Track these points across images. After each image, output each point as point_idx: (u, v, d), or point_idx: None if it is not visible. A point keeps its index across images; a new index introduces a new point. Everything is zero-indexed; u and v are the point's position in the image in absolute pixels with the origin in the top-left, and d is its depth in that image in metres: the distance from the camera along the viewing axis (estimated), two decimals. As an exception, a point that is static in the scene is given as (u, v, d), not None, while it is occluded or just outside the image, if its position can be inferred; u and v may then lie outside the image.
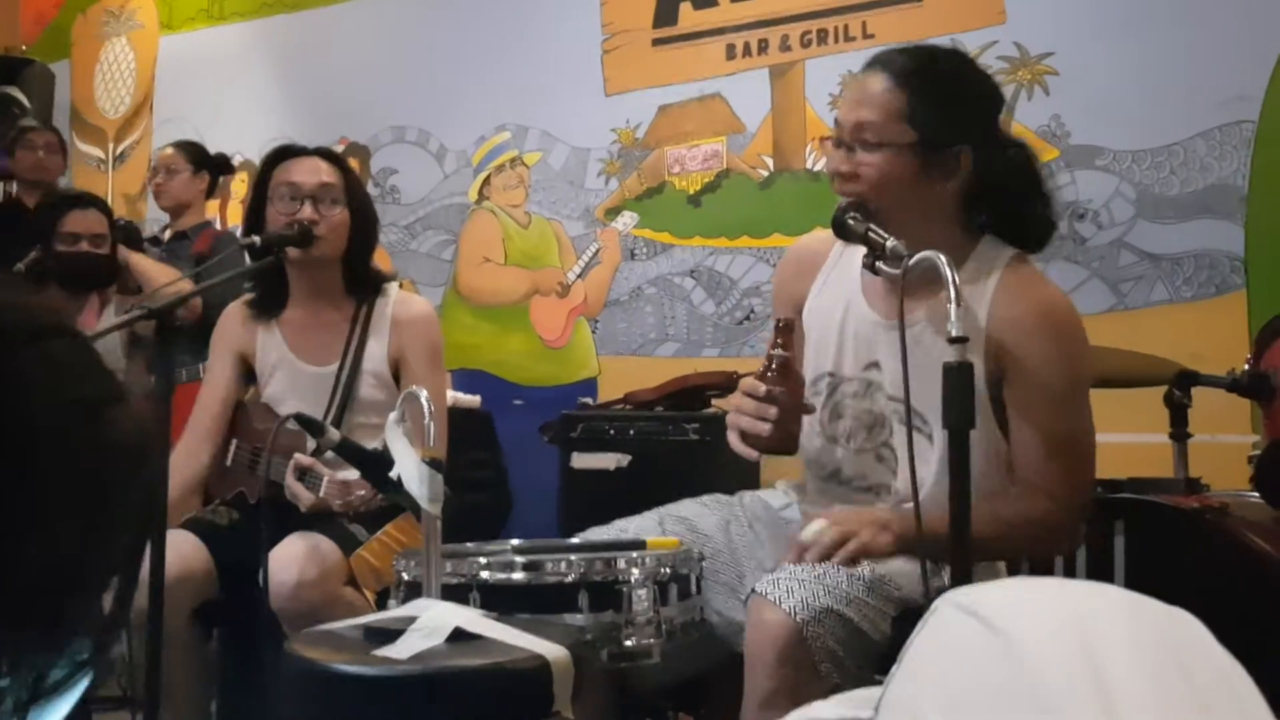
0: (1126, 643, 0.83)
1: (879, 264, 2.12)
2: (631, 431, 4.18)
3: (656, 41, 5.06)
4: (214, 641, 3.01)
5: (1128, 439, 3.41)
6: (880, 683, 1.85)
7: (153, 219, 5.67)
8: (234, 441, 3.05)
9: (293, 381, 3.01)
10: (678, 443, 4.12)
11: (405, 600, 2.08)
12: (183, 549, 2.74)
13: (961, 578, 1.81)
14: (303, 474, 2.79)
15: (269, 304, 3.05)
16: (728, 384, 4.16)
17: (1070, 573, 2.57)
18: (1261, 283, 3.86)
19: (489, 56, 5.41)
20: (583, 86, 5.18)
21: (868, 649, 1.99)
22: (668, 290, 4.98)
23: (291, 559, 2.62)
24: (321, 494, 2.74)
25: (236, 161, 5.42)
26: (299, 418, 2.32)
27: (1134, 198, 4.09)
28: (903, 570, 2.11)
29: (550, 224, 5.27)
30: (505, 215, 5.39)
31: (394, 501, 2.42)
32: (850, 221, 2.11)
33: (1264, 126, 3.90)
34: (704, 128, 4.95)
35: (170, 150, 4.89)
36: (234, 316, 3.11)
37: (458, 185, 5.51)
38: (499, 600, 2.01)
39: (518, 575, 2.05)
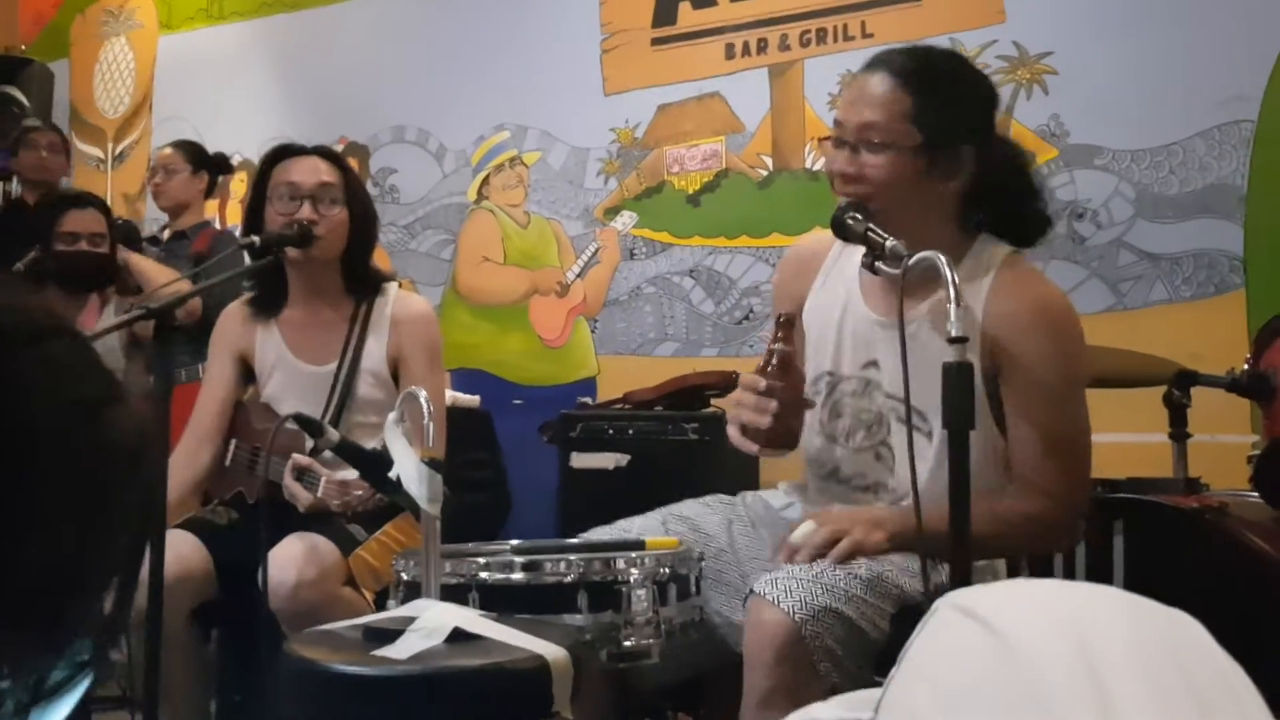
0: (1125, 644, 0.83)
1: (878, 264, 2.12)
2: (631, 431, 4.19)
3: (655, 41, 5.06)
4: (213, 642, 3.00)
5: (1127, 439, 3.41)
6: (879, 683, 1.85)
7: (152, 219, 5.67)
8: (233, 441, 3.05)
9: (291, 381, 3.01)
10: (677, 442, 4.12)
11: (404, 600, 2.08)
12: (181, 549, 2.74)
13: (961, 576, 1.81)
14: (301, 474, 2.79)
15: (268, 303, 3.05)
16: (727, 384, 4.16)
17: (1070, 572, 2.57)
18: (1260, 282, 3.86)
19: (488, 56, 5.41)
20: (582, 86, 5.18)
21: (866, 648, 1.99)
22: (667, 290, 4.98)
23: (290, 559, 2.62)
24: (319, 494, 2.74)
25: (236, 161, 5.42)
26: (298, 418, 2.32)
27: (1133, 197, 4.10)
28: (901, 568, 2.11)
29: (549, 223, 5.28)
30: (504, 215, 5.39)
31: (393, 501, 2.42)
32: (850, 221, 2.11)
33: (1263, 126, 3.90)
34: (703, 127, 4.95)
35: (169, 150, 4.88)
36: (233, 317, 3.11)
37: (457, 185, 5.51)
38: (498, 600, 2.01)
39: (517, 575, 2.05)
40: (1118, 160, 4.12)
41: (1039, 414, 2.15)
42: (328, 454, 2.39)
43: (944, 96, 2.20)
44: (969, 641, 0.86)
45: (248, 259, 2.99)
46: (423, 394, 2.06)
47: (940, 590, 1.96)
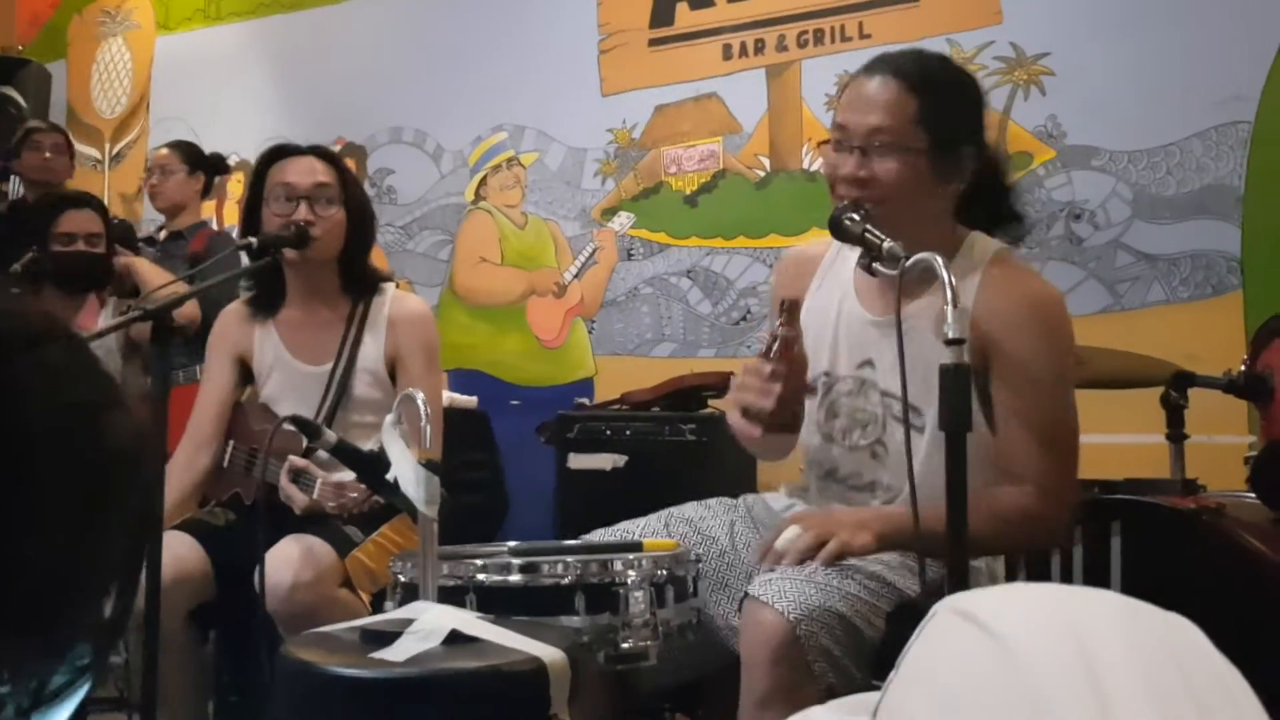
0: (1123, 648, 0.83)
1: (875, 265, 2.13)
2: (628, 432, 4.19)
3: (653, 42, 5.06)
4: (210, 644, 3.00)
5: (1124, 440, 3.41)
6: (876, 685, 1.85)
7: (149, 219, 5.66)
8: (230, 443, 3.05)
9: (289, 381, 3.01)
10: (674, 443, 4.12)
11: (402, 602, 2.08)
12: (179, 550, 2.74)
13: (958, 576, 1.81)
14: (297, 476, 2.79)
15: (266, 304, 3.05)
16: (724, 384, 4.14)
17: (1067, 573, 2.57)
18: (1258, 283, 3.86)
19: (486, 57, 5.41)
20: (579, 87, 5.18)
21: (862, 646, 1.99)
22: (664, 290, 4.98)
23: (286, 561, 2.62)
24: (315, 495, 2.74)
25: (233, 161, 5.41)
26: (295, 419, 2.32)
27: (1130, 198, 4.10)
28: (895, 566, 2.11)
29: (547, 224, 5.28)
30: (502, 215, 5.39)
31: (389, 503, 2.42)
32: (847, 222, 2.11)
33: (1260, 127, 3.90)
34: (700, 128, 4.95)
35: (165, 151, 4.88)
36: (231, 318, 3.11)
37: (454, 185, 5.51)
38: (495, 602, 2.01)
39: (514, 577, 2.05)
40: (1115, 161, 4.13)
41: (1029, 408, 2.15)
42: (324, 455, 2.39)
43: (947, 99, 2.22)
44: (967, 645, 0.86)
45: (245, 260, 2.99)
46: (420, 396, 2.06)
47: (935, 588, 1.97)
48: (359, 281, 3.03)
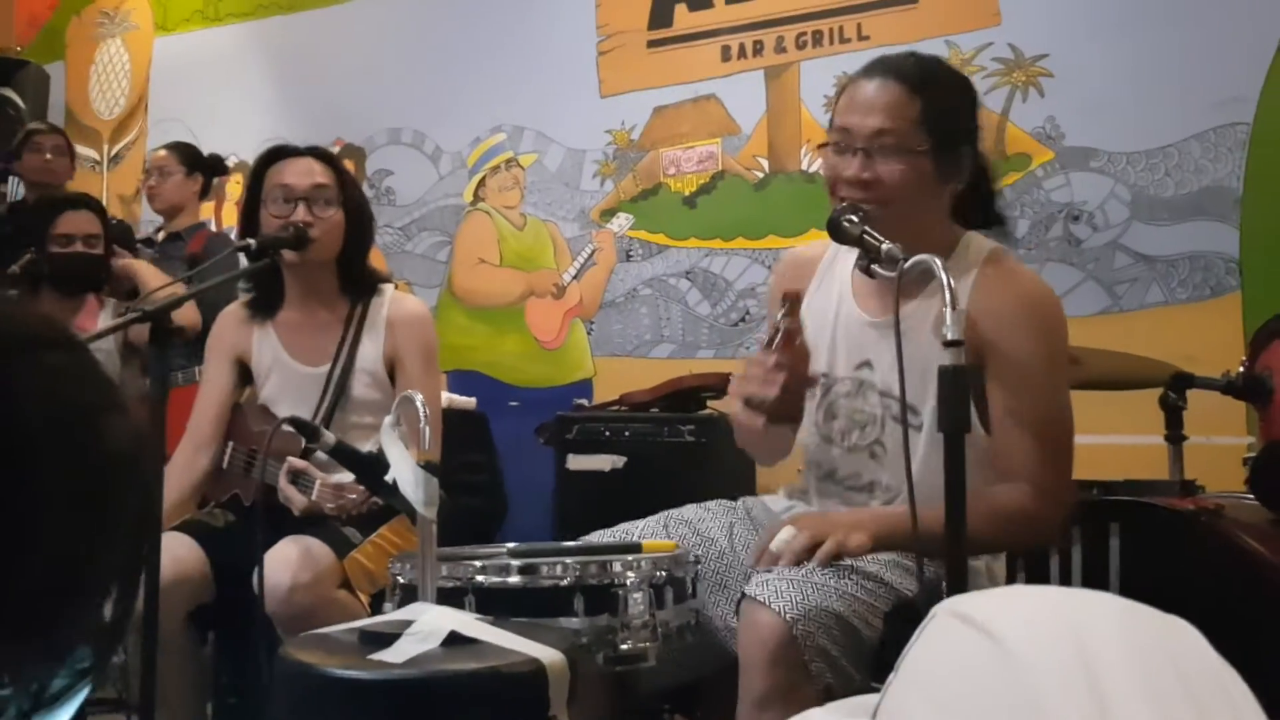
0: (1122, 650, 0.83)
1: (874, 266, 2.13)
2: (627, 433, 4.19)
3: (651, 43, 5.06)
4: (209, 645, 3.00)
5: (1123, 441, 3.42)
6: (874, 686, 1.85)
7: (147, 220, 5.66)
8: (229, 444, 3.05)
9: (288, 382, 3.01)
10: (673, 444, 4.12)
11: (401, 604, 2.07)
12: (178, 551, 2.74)
13: (958, 577, 1.81)
14: (296, 477, 2.79)
15: (265, 305, 3.05)
16: (723, 385, 4.15)
17: (1066, 574, 2.57)
18: (1256, 285, 3.86)
19: (484, 58, 5.41)
20: (578, 88, 5.18)
21: (860, 646, 2.00)
22: (663, 291, 4.99)
23: (284, 563, 2.62)
24: (314, 497, 2.74)
25: (232, 163, 5.41)
26: (294, 421, 2.32)
27: (1129, 199, 4.10)
28: (893, 566, 2.11)
29: (545, 225, 5.28)
30: (500, 217, 5.39)
31: (388, 504, 2.42)
32: (846, 224, 2.12)
33: (1258, 128, 3.90)
34: (699, 129, 4.95)
35: (163, 152, 4.87)
36: (230, 319, 3.11)
37: (453, 187, 5.51)
38: (494, 604, 2.00)
39: (513, 579, 2.05)
40: (1113, 162, 4.13)
41: (1024, 407, 2.16)
42: (323, 456, 2.39)
43: (947, 100, 2.25)
44: (966, 648, 0.86)
45: (244, 261, 2.99)
46: (419, 397, 2.06)
47: (933, 587, 1.97)
48: (357, 283, 3.03)
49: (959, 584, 1.80)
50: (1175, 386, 2.87)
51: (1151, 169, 4.06)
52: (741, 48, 4.86)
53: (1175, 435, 2.88)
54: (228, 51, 6.22)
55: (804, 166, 4.69)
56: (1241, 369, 2.76)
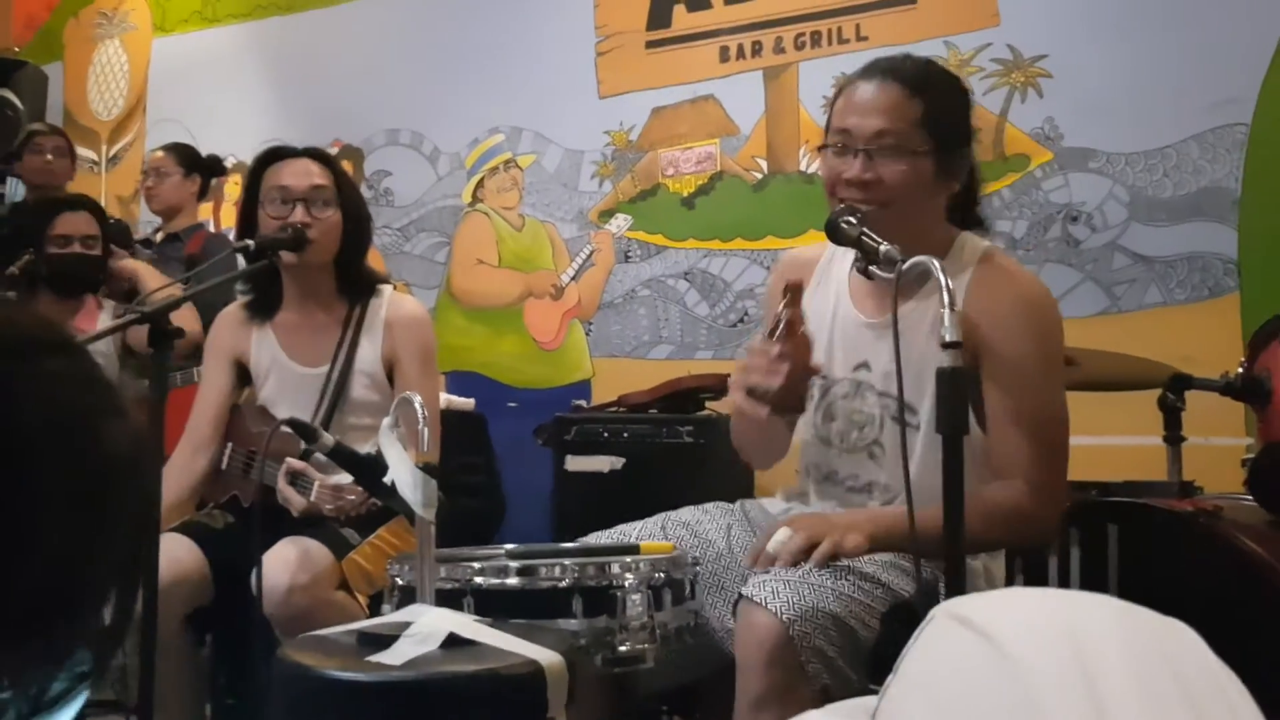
0: (1120, 652, 0.83)
1: (872, 268, 2.14)
2: (625, 434, 4.19)
3: (650, 44, 5.06)
4: (207, 647, 3.00)
5: (1121, 442, 3.42)
6: (872, 687, 1.85)
7: (146, 221, 5.66)
8: (228, 445, 3.05)
9: (286, 383, 3.01)
10: (672, 445, 4.12)
11: (399, 605, 2.07)
12: (177, 553, 2.74)
13: (956, 578, 1.81)
14: (294, 478, 2.79)
15: (263, 307, 3.05)
16: (721, 386, 4.16)
17: (1064, 575, 2.57)
18: (1254, 285, 3.87)
19: (483, 58, 5.41)
20: (576, 89, 5.18)
21: (857, 647, 2.00)
22: (661, 292, 4.98)
23: (282, 564, 2.61)
24: (313, 498, 2.74)
25: (230, 163, 5.41)
26: (292, 423, 2.32)
27: (1127, 200, 4.10)
28: (889, 566, 2.11)
29: (544, 226, 5.27)
30: (499, 217, 5.39)
31: (386, 505, 2.42)
32: (844, 226, 2.12)
33: (1256, 129, 3.90)
34: (697, 130, 4.95)
35: (161, 153, 4.88)
36: (228, 321, 3.11)
37: (451, 187, 5.51)
38: (493, 605, 2.00)
39: (512, 580, 2.04)
40: (1112, 163, 4.13)
41: (1020, 405, 2.17)
42: (322, 458, 2.39)
43: (945, 101, 2.27)
44: (965, 650, 0.86)
45: (241, 262, 2.99)
46: (417, 399, 2.06)
47: (930, 588, 1.97)
48: (355, 284, 3.03)
49: (957, 584, 1.80)
50: (1174, 387, 2.87)
51: (1150, 170, 4.06)
52: (740, 48, 4.86)
53: (1174, 436, 2.88)
54: (226, 52, 6.22)
55: (803, 167, 4.69)
56: (1240, 370, 2.76)
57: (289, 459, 2.79)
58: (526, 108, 5.31)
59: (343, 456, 2.29)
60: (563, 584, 2.02)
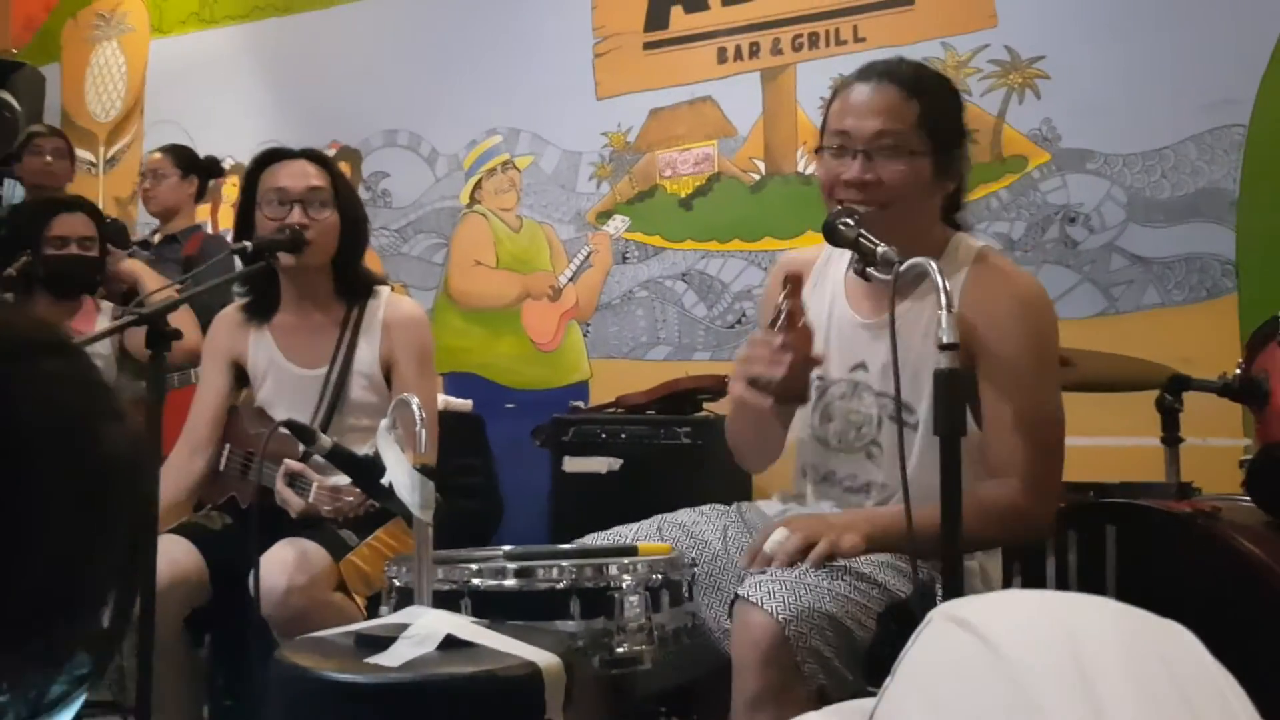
0: (1118, 654, 0.83)
1: (870, 270, 2.14)
2: (623, 435, 4.19)
3: (648, 45, 5.06)
4: (205, 648, 3.00)
5: (1119, 443, 3.42)
6: (869, 688, 1.85)
7: (143, 223, 5.66)
8: (226, 446, 3.05)
9: (284, 385, 3.01)
10: (669, 446, 4.12)
11: (397, 607, 2.07)
12: (175, 554, 2.74)
13: (953, 578, 1.81)
14: (293, 479, 2.78)
15: (260, 308, 3.05)
16: (719, 387, 4.16)
17: (1062, 576, 2.57)
18: (1252, 286, 3.87)
19: (480, 60, 5.41)
20: (574, 90, 5.18)
21: (853, 647, 2.00)
22: (659, 293, 4.98)
23: (280, 565, 2.61)
24: (311, 499, 2.74)
25: (228, 165, 5.41)
26: (290, 424, 2.32)
27: (1125, 201, 4.10)
28: (886, 567, 2.12)
29: (542, 227, 5.27)
30: (496, 219, 5.39)
31: (384, 507, 2.42)
32: (842, 228, 2.12)
33: (1254, 130, 3.91)
34: (695, 131, 4.95)
35: (158, 155, 4.88)
36: (226, 323, 3.11)
37: (449, 189, 5.51)
38: (491, 607, 2.00)
39: (509, 582, 2.04)
40: (1110, 164, 4.13)
41: (1015, 403, 2.18)
42: (319, 459, 2.39)
43: (941, 102, 2.29)
44: (963, 653, 0.86)
45: (239, 264, 2.99)
46: (415, 401, 2.06)
47: (926, 589, 1.98)
48: (353, 285, 3.03)
49: (954, 584, 1.80)
50: (1171, 388, 2.87)
51: (1148, 171, 4.06)
52: (738, 49, 4.86)
53: (1171, 437, 2.88)
54: (223, 54, 6.21)
55: (800, 168, 4.69)
56: (1238, 371, 2.76)
57: (287, 460, 2.79)
58: (524, 109, 5.31)
59: (340, 458, 2.29)
60: (560, 586, 2.02)
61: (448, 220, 5.51)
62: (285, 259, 2.91)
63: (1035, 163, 4.24)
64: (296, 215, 2.90)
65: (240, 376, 3.09)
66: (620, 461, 4.14)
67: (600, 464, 4.16)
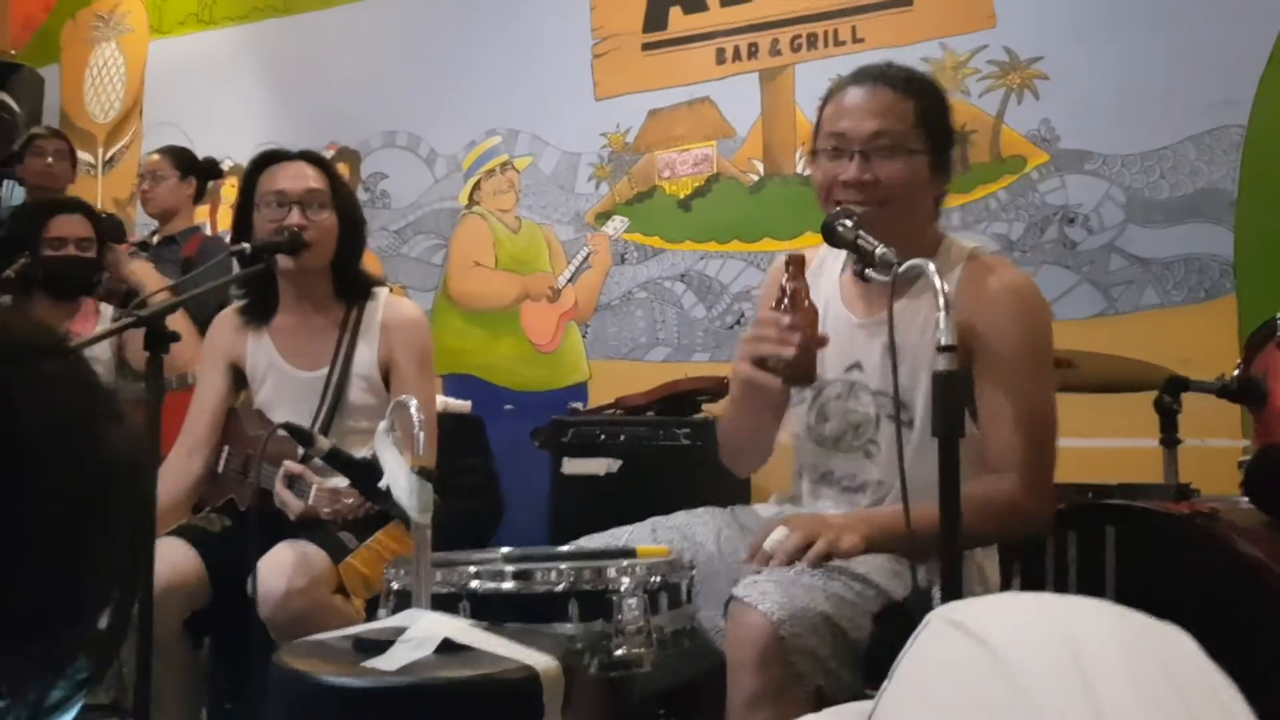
0: (1118, 656, 0.83)
1: (868, 271, 2.15)
2: (622, 436, 4.19)
3: (646, 46, 5.06)
4: (204, 650, 2.99)
5: (1118, 444, 3.42)
6: (866, 690, 1.85)
7: (143, 224, 5.66)
8: (225, 449, 3.04)
9: (283, 387, 3.01)
10: (668, 447, 4.12)
11: (395, 610, 2.07)
12: (174, 557, 2.73)
13: (951, 579, 1.81)
14: (292, 482, 2.78)
15: (259, 310, 3.05)
16: (718, 389, 4.16)
17: (1061, 577, 2.57)
18: (1251, 287, 3.87)
19: (479, 60, 5.41)
20: (573, 91, 5.18)
21: (849, 648, 2.00)
22: (658, 294, 4.98)
23: (280, 567, 2.61)
24: (310, 501, 2.74)
25: (227, 166, 5.41)
26: (288, 427, 2.32)
27: (1124, 202, 4.10)
28: (882, 568, 2.12)
29: (541, 228, 5.27)
30: (496, 220, 5.39)
31: (384, 509, 2.42)
32: (840, 229, 2.13)
33: (1253, 131, 3.91)
34: (694, 132, 4.95)
35: (157, 156, 4.88)
36: (224, 325, 3.11)
37: (448, 190, 5.51)
38: (489, 610, 2.00)
39: (507, 585, 2.04)
40: (1108, 165, 4.13)
41: (1010, 396, 2.19)
42: (318, 461, 2.39)
43: (934, 103, 2.32)
44: (961, 656, 0.86)
45: (236, 266, 2.99)
46: (413, 403, 2.05)
47: (922, 591, 1.98)
48: (351, 287, 3.03)
49: (953, 585, 1.80)
50: (1170, 389, 2.87)
51: (1146, 171, 4.06)
52: (736, 50, 4.86)
53: (1170, 438, 2.88)
54: (222, 55, 6.22)
55: (799, 169, 4.69)
56: (1236, 372, 2.76)
57: (287, 462, 2.79)
58: (523, 110, 5.31)
59: (339, 460, 2.28)
60: (559, 588, 2.02)
61: (447, 221, 5.51)
62: (284, 261, 2.91)
63: (1034, 163, 4.24)
64: (295, 217, 2.90)
65: (239, 378, 3.09)
66: (619, 463, 4.15)
67: (599, 465, 4.16)
